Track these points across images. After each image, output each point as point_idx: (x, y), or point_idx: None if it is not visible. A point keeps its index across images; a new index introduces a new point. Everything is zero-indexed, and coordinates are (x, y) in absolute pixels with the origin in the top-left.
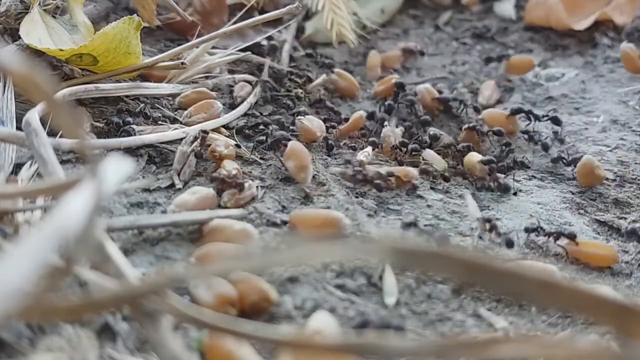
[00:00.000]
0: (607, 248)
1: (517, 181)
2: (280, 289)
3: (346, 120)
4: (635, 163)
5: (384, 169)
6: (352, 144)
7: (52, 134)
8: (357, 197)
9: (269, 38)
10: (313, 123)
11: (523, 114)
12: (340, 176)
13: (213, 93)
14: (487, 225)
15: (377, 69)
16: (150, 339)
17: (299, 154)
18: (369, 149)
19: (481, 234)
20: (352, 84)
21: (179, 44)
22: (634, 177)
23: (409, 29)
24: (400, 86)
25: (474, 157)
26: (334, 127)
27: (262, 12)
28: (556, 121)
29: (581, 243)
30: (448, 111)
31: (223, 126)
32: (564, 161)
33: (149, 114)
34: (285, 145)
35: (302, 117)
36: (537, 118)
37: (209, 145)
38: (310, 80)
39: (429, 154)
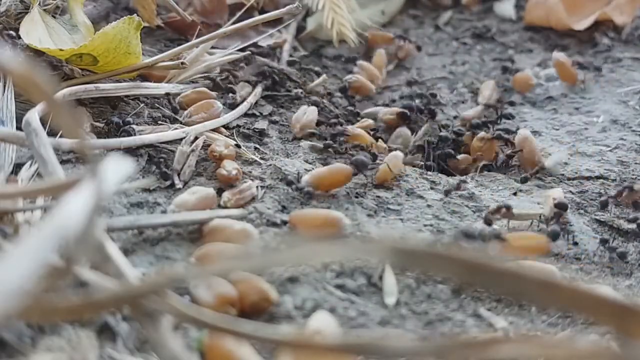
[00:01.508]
0: (536, 238)
1: (517, 181)
2: (280, 289)
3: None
4: (635, 163)
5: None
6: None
7: (52, 134)
8: (357, 197)
9: (269, 38)
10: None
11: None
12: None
13: (213, 93)
14: (557, 211)
15: (382, 68)
16: (150, 339)
17: (341, 173)
18: None
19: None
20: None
21: (179, 44)
22: (634, 177)
23: (409, 29)
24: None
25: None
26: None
27: (262, 12)
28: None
29: (511, 238)
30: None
31: (223, 126)
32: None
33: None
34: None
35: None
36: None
37: (209, 145)
38: (310, 80)
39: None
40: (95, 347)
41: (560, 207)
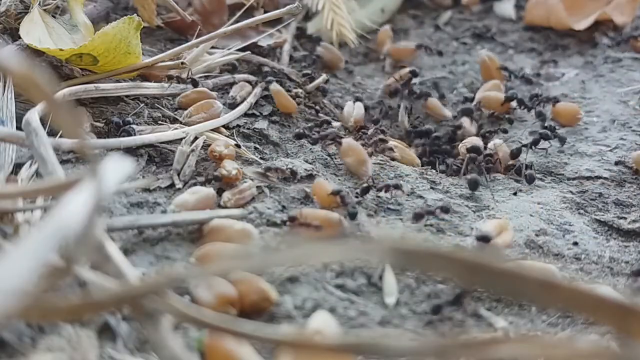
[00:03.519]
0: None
1: (517, 181)
2: (280, 289)
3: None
4: None
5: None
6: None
7: (52, 134)
8: (357, 197)
9: (269, 38)
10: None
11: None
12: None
13: (213, 93)
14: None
15: (387, 43)
16: (150, 339)
17: (355, 149)
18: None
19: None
20: (336, 57)
21: (179, 44)
22: (634, 177)
23: (409, 29)
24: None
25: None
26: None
27: (262, 12)
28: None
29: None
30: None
31: (223, 126)
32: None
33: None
34: (339, 143)
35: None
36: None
37: (209, 145)
38: (310, 80)
39: None
40: (95, 347)
41: (482, 239)
